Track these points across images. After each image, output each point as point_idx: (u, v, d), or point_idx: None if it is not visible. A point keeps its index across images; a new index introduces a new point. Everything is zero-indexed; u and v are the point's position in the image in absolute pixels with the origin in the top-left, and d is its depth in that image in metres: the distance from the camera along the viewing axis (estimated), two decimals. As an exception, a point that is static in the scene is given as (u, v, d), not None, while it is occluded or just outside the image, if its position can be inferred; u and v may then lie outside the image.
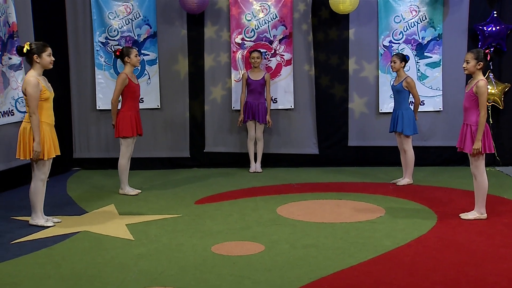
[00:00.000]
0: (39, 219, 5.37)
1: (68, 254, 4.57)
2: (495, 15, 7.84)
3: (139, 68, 8.08)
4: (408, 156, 6.96)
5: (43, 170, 5.28)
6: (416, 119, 6.94)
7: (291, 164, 8.31)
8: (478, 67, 5.26)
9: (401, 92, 6.87)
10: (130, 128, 6.50)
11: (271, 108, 8.12)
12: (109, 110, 7.53)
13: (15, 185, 7.03)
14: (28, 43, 5.21)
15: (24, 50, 5.14)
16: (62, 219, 5.54)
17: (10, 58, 6.79)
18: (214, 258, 4.46)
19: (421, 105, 7.75)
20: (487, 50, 5.35)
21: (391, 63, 6.99)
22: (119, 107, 6.60)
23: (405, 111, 6.88)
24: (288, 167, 8.24)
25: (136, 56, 6.53)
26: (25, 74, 6.96)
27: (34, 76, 5.12)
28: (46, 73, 5.37)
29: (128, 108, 6.54)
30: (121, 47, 6.98)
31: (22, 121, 6.90)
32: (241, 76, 8.07)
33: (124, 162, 6.59)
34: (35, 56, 5.14)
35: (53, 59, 5.24)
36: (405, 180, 7.04)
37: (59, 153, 5.39)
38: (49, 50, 5.19)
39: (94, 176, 7.86)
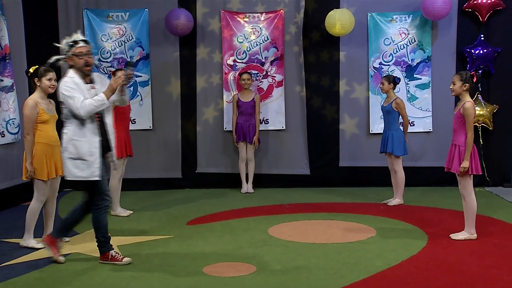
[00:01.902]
0: (30, 240, 5.36)
1: (59, 276, 4.55)
2: (482, 38, 7.99)
3: (132, 89, 8.14)
4: (399, 176, 7.01)
5: (42, 191, 5.27)
6: (406, 141, 7.00)
7: (282, 184, 8.33)
8: (464, 88, 5.35)
9: (391, 113, 6.95)
10: (119, 149, 6.52)
11: (263, 129, 8.18)
12: (101, 131, 7.57)
13: (5, 207, 7.00)
14: (36, 66, 5.30)
15: (29, 72, 5.30)
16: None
17: (1, 80, 6.81)
18: (206, 279, 4.45)
19: (411, 125, 7.84)
20: (473, 72, 5.45)
21: (380, 85, 7.08)
22: None
23: (395, 132, 6.94)
24: (279, 187, 8.26)
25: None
26: (17, 96, 7.04)
27: (33, 99, 5.23)
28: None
29: (117, 130, 6.54)
30: (114, 70, 7.05)
31: (12, 142, 6.96)
32: (232, 97, 8.14)
33: (114, 183, 6.59)
34: (35, 79, 5.25)
35: (54, 84, 5.26)
36: (395, 201, 7.08)
37: (62, 174, 5.40)
38: (50, 75, 5.23)
39: (86, 197, 7.83)
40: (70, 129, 4.65)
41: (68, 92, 4.55)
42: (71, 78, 4.62)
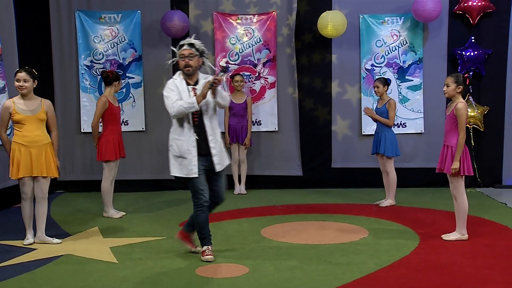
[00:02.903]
0: (25, 238, 5.49)
1: (51, 278, 4.53)
2: (473, 40, 8.04)
3: (124, 91, 8.13)
4: (391, 177, 7.04)
5: (21, 189, 5.41)
6: (371, 110, 6.97)
7: (275, 185, 8.34)
8: (458, 91, 5.39)
9: (386, 114, 6.97)
10: (113, 151, 6.51)
11: (255, 130, 8.20)
12: (94, 132, 7.58)
13: (-2, 208, 6.99)
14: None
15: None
16: (44, 243, 5.50)
17: (-6, 81, 6.80)
18: (199, 280, 4.45)
19: (402, 127, 7.89)
20: (466, 75, 5.49)
21: (374, 88, 7.08)
22: (100, 130, 6.62)
23: (387, 133, 6.97)
24: (272, 188, 8.27)
25: (120, 84, 6.77)
26: (9, 97, 7.02)
27: (11, 99, 5.42)
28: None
29: (110, 132, 6.54)
30: (109, 70, 7.07)
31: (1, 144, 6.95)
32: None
33: (107, 185, 6.58)
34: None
35: (22, 85, 5.32)
36: (388, 202, 7.11)
37: (42, 175, 5.40)
38: (17, 76, 5.34)
39: (78, 198, 7.81)
40: (172, 128, 4.92)
41: (165, 92, 4.85)
42: (174, 79, 4.92)
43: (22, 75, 5.30)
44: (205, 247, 4.95)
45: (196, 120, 4.83)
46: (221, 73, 4.82)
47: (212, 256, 4.91)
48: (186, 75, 4.88)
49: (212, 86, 4.72)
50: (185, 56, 4.83)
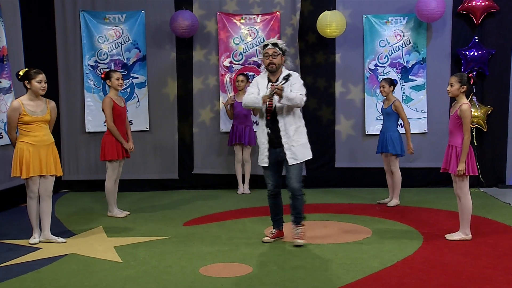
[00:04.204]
0: (32, 237, 5.52)
1: (55, 277, 4.56)
2: (477, 40, 8.04)
3: (128, 91, 8.17)
4: (396, 177, 7.05)
5: (29, 188, 5.43)
6: (410, 148, 6.93)
7: (279, 185, 8.33)
8: (462, 90, 5.39)
9: (391, 114, 6.99)
10: (115, 151, 6.51)
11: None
12: (98, 132, 7.69)
13: (4, 208, 7.01)
14: (26, 69, 5.46)
15: (19, 75, 5.42)
16: (49, 242, 5.54)
17: (0, 82, 6.84)
18: (203, 280, 4.47)
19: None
20: (470, 74, 5.49)
21: (380, 87, 7.08)
22: (103, 129, 6.63)
23: (393, 133, 6.97)
24: (276, 188, 8.28)
25: (117, 80, 6.48)
26: (15, 97, 7.07)
27: (18, 100, 5.39)
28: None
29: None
30: (107, 70, 7.08)
31: (10, 143, 6.99)
32: (228, 98, 8.14)
33: (110, 185, 6.60)
34: (25, 82, 5.37)
35: (44, 86, 5.38)
36: (393, 201, 7.11)
37: (51, 173, 5.44)
38: (40, 77, 5.34)
39: (83, 198, 7.85)
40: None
41: (248, 87, 5.42)
42: (258, 76, 5.46)
43: (44, 76, 5.37)
44: (273, 230, 5.56)
45: (269, 116, 5.23)
46: (282, 81, 5.11)
47: (268, 238, 5.50)
48: (269, 72, 5.29)
49: (273, 94, 5.05)
50: (269, 54, 5.23)
